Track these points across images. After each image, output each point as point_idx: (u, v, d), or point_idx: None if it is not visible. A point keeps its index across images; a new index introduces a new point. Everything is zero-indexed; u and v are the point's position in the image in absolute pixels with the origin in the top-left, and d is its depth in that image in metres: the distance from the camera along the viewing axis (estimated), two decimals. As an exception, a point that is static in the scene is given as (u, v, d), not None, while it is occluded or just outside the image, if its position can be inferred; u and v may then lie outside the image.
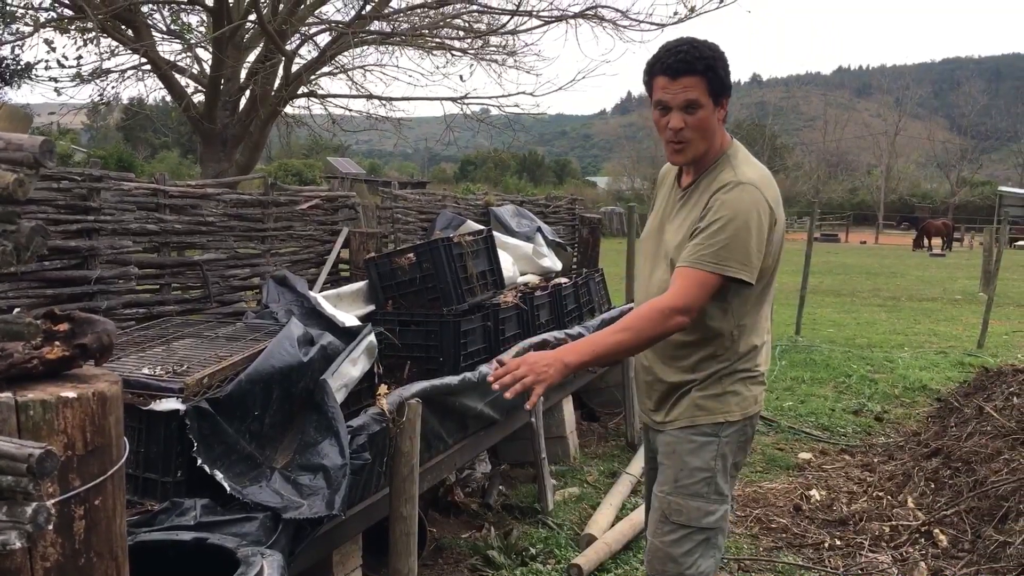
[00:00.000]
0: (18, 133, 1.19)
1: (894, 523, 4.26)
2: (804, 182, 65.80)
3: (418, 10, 11.10)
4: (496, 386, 2.20)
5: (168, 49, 11.78)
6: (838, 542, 4.15)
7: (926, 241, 34.82)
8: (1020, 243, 37.80)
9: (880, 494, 4.70)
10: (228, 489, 2.68)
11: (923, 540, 4.06)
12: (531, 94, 11.47)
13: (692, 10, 9.71)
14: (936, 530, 4.07)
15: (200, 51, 11.56)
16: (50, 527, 0.99)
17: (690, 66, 2.24)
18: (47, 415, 1.11)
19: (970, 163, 66.32)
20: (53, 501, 1.10)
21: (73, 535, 1.14)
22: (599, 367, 5.19)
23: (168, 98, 11.72)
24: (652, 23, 10.43)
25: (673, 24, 10.22)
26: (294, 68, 10.55)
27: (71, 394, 1.14)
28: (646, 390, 2.57)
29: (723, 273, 2.24)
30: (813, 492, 4.78)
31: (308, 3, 10.87)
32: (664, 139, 2.35)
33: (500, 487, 4.74)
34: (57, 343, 1.21)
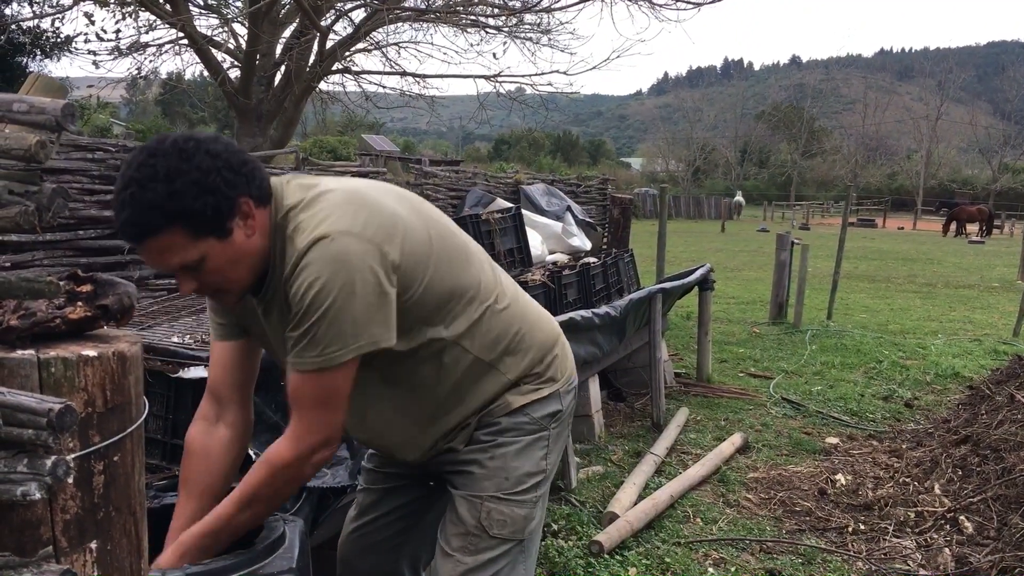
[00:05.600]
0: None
1: (919, 509, 4.23)
2: (842, 166, 65.07)
3: (453, -13, 11.07)
4: None
5: (205, 24, 11.84)
6: (862, 527, 4.13)
7: (954, 227, 34.29)
8: (1062, 231, 37.10)
9: (907, 480, 4.67)
10: (254, 457, 2.72)
11: (948, 526, 4.02)
12: (565, 73, 11.38)
13: (729, -11, 9.57)
14: (962, 517, 4.04)
15: (236, 26, 11.63)
16: (69, 480, 1.02)
17: (145, 228, 1.51)
18: (68, 372, 1.14)
19: (1013, 149, 65.04)
20: (73, 456, 1.13)
21: (92, 489, 1.17)
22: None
23: (205, 73, 11.80)
24: (689, 2, 10.33)
25: (710, 3, 10.12)
26: (328, 44, 10.58)
27: (92, 353, 1.17)
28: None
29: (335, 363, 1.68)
30: (839, 476, 4.76)
31: (344, -21, 10.88)
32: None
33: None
34: (80, 303, 1.24)
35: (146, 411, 1.26)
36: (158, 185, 1.47)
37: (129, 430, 1.21)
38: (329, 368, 1.65)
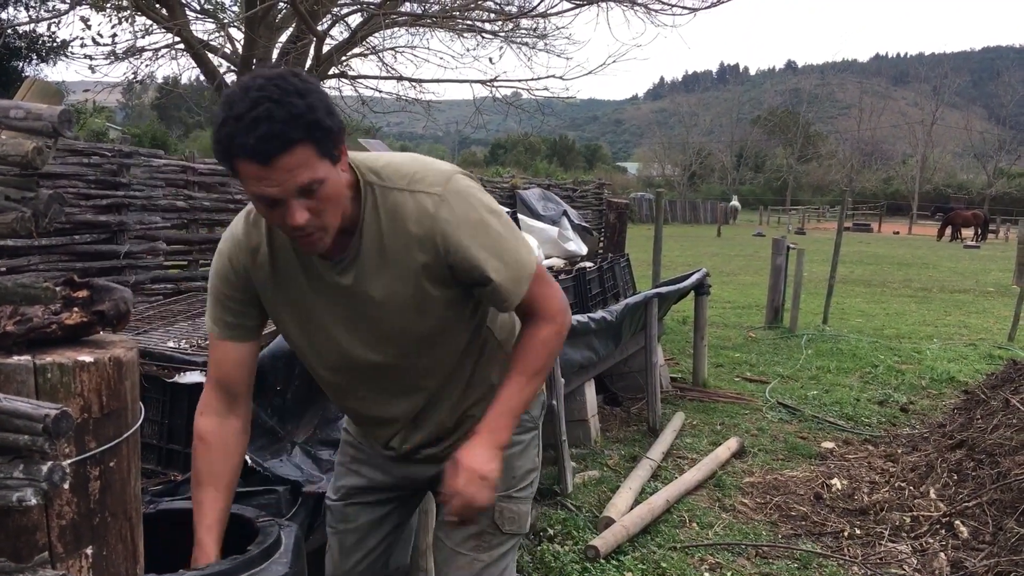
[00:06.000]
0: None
1: (915, 513, 4.24)
2: (838, 171, 65.27)
3: (450, -8, 11.08)
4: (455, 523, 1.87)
5: (201, 28, 11.84)
6: (858, 531, 4.13)
7: (949, 232, 34.40)
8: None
9: (902, 484, 4.67)
10: (249, 462, 2.72)
11: (944, 531, 4.03)
12: (561, 78, 11.40)
13: (725, -6, 9.60)
14: (957, 521, 4.05)
15: (233, 31, 11.63)
16: (65, 485, 1.02)
17: (285, 140, 1.47)
18: (64, 378, 1.14)
19: (1008, 154, 65.30)
20: (69, 461, 1.13)
21: (88, 495, 1.17)
22: None
23: (201, 77, 11.80)
24: (685, 7, 10.34)
25: (706, 8, 10.14)
26: (325, 49, 10.58)
27: (88, 358, 1.17)
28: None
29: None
30: (834, 481, 4.76)
31: (340, -17, 10.88)
32: (283, 230, 1.64)
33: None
34: (76, 309, 1.24)
35: (142, 416, 1.26)
36: (295, 99, 1.47)
37: (125, 435, 1.21)
38: (535, 261, 1.81)
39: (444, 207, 1.70)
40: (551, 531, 3.94)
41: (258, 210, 1.62)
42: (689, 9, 10.27)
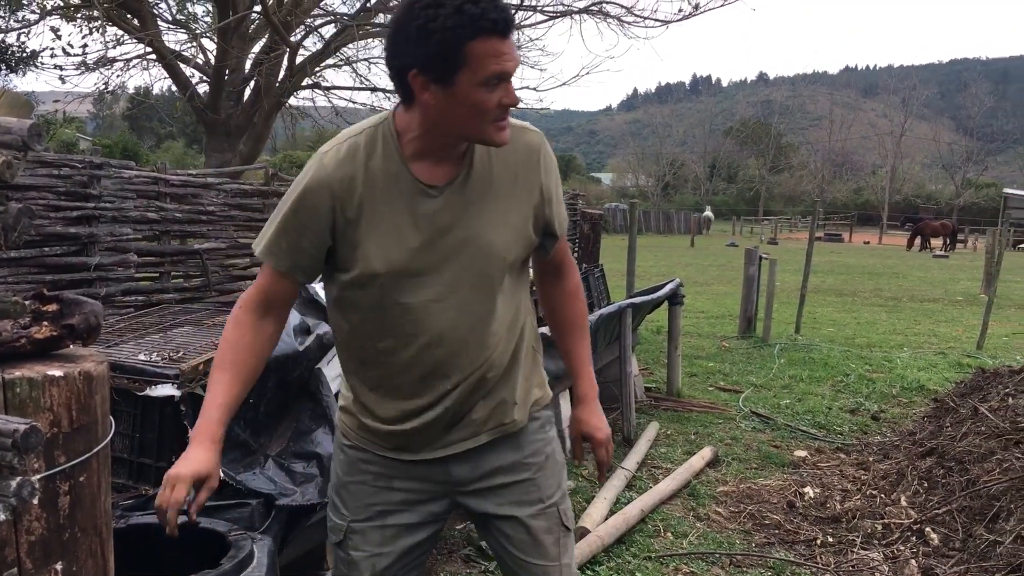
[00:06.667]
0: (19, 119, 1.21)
1: (886, 521, 4.28)
2: (809, 181, 65.88)
3: (423, 3, 11.10)
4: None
5: (173, 39, 11.79)
6: (830, 539, 4.16)
7: (918, 241, 34.83)
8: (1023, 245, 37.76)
9: (874, 492, 4.72)
10: (222, 475, 2.70)
11: (915, 538, 4.07)
12: (535, 89, 11.48)
13: (696, 7, 9.72)
14: (928, 528, 4.09)
15: (205, 41, 11.59)
16: (35, 501, 1.01)
17: (512, 18, 1.65)
18: (33, 392, 1.13)
19: (976, 165, 66.31)
20: (39, 476, 1.12)
21: (58, 510, 1.16)
22: None
23: (173, 88, 11.75)
24: (657, 19, 10.46)
25: (678, 21, 10.25)
26: (298, 59, 10.57)
27: (58, 373, 1.16)
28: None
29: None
30: (807, 489, 4.80)
31: (313, -6, 10.88)
32: (485, 120, 1.67)
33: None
34: (45, 323, 1.23)
35: (112, 431, 1.25)
36: None
37: (95, 450, 1.20)
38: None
39: (546, 148, 1.86)
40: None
41: (476, 98, 1.62)
42: (661, 22, 10.38)
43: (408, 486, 1.92)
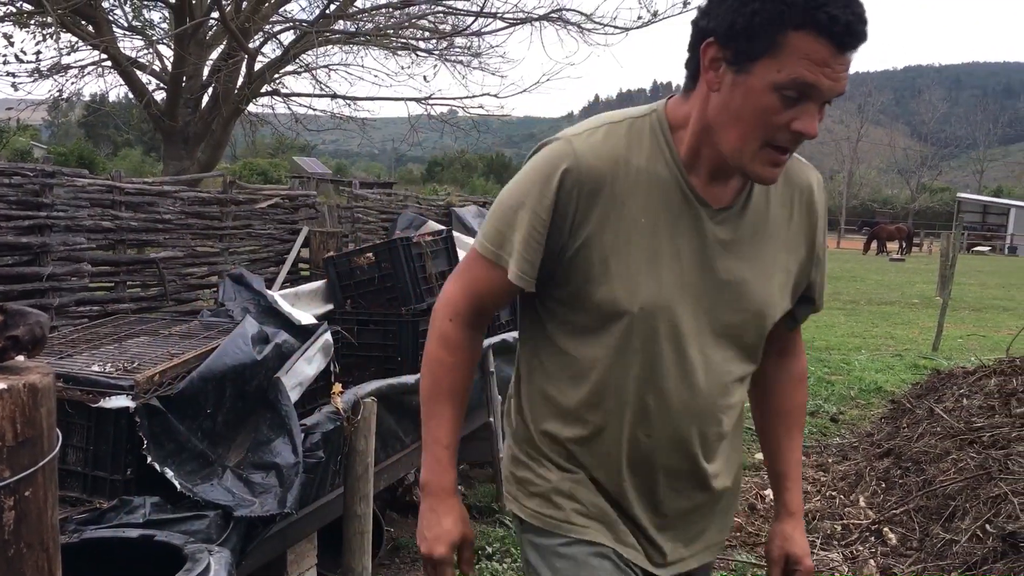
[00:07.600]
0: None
1: (846, 522, 4.33)
2: (768, 187, 66.64)
3: (383, 10, 11.09)
4: None
5: (129, 45, 11.65)
6: (791, 540, 4.20)
7: (875, 245, 35.38)
8: (977, 248, 38.54)
9: (833, 493, 4.77)
10: (179, 487, 2.66)
11: (873, 538, 4.12)
12: (496, 95, 11.50)
13: (655, 14, 9.81)
14: (886, 528, 4.14)
15: (162, 48, 11.46)
16: (-24, 518, 0.98)
17: (863, 35, 1.26)
18: (-24, 406, 1.11)
19: (930, 169, 67.57)
20: (-18, 493, 1.10)
21: (2, 526, 1.13)
22: None
23: (130, 95, 11.60)
24: (616, 27, 10.53)
25: (637, 27, 10.32)
26: (257, 66, 10.49)
27: (1, 385, 1.13)
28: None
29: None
30: (768, 492, 4.84)
31: (272, 1, 10.81)
32: (756, 138, 1.31)
33: (459, 487, 4.73)
34: (-11, 334, 1.21)
35: (59, 443, 1.22)
36: None
37: (41, 464, 1.17)
38: None
39: (823, 194, 1.57)
40: (489, 549, 3.93)
41: (761, 104, 1.27)
42: (621, 29, 10.46)
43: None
